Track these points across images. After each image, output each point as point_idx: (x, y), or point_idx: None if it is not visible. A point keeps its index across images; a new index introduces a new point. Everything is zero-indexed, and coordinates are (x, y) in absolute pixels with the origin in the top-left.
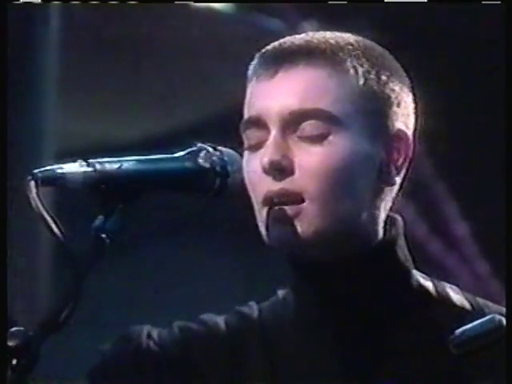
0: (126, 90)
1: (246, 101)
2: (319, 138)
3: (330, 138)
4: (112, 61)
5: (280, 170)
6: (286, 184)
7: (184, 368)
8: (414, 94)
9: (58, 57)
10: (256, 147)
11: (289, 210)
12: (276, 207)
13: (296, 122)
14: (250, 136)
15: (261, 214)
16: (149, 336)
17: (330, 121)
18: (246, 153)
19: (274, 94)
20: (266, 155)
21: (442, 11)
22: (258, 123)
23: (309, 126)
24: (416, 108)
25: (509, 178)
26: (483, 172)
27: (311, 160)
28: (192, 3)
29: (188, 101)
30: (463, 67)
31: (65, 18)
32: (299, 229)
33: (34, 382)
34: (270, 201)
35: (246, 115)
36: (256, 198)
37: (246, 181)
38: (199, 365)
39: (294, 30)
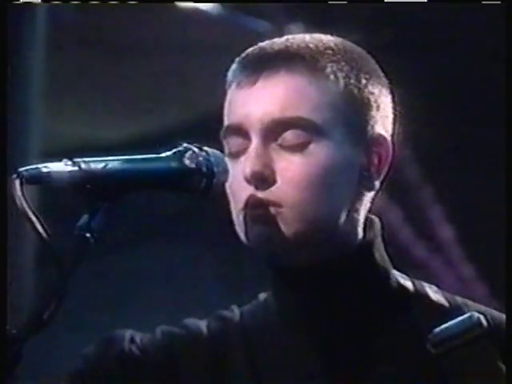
0: (112, 91)
1: (226, 106)
2: (300, 147)
3: (311, 146)
4: (99, 61)
5: (262, 180)
6: (267, 194)
7: (167, 373)
8: (393, 95)
9: (45, 55)
10: (237, 154)
11: (266, 212)
12: (254, 210)
13: (277, 130)
14: (230, 143)
15: (238, 217)
16: (131, 340)
17: (311, 129)
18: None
19: (255, 102)
20: (247, 165)
21: (442, 11)
22: (240, 131)
23: (290, 135)
24: (394, 109)
25: (508, 179)
26: (470, 176)
27: (292, 169)
28: (178, 4)
29: (175, 101)
30: (463, 67)
31: (49, 17)
32: (276, 229)
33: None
34: (249, 206)
35: (226, 122)
36: (236, 204)
37: (228, 189)
38: (182, 369)
39: (281, 32)
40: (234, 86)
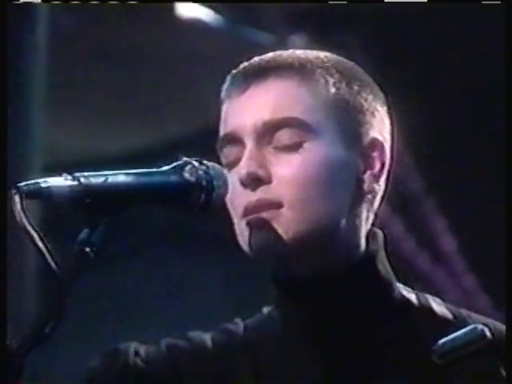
0: (113, 105)
1: (221, 121)
2: (294, 147)
3: (305, 145)
4: (99, 74)
5: (257, 180)
6: (263, 194)
7: None
8: (389, 107)
9: (45, 65)
10: (233, 164)
11: (266, 215)
12: (254, 215)
13: (270, 133)
14: (226, 153)
15: (240, 226)
16: (136, 353)
17: (304, 128)
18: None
19: (246, 109)
20: (242, 167)
21: (442, 11)
22: (234, 139)
23: (283, 136)
24: (391, 118)
25: (508, 190)
26: (472, 187)
27: (287, 168)
28: (180, 16)
29: (175, 115)
30: (463, 68)
31: (51, 24)
32: (277, 232)
33: None
34: (248, 212)
35: (221, 133)
36: (235, 212)
37: (227, 199)
38: (186, 381)
39: (283, 44)
40: (226, 101)
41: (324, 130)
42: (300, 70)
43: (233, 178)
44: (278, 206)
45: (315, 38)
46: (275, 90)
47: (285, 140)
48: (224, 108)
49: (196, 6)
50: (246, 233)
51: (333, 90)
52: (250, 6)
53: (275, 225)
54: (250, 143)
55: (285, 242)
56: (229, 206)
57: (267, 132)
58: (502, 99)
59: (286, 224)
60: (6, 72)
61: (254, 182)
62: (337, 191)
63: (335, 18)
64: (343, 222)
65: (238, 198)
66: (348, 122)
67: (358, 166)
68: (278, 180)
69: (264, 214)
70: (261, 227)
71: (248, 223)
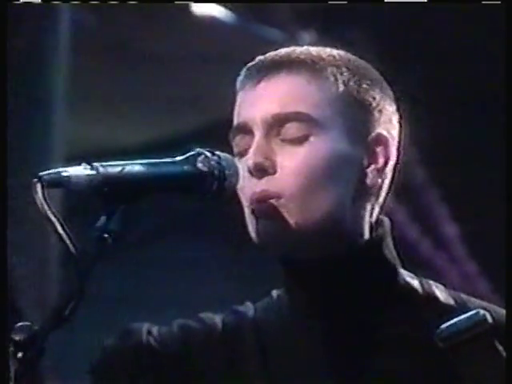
0: (130, 99)
1: (235, 111)
2: (300, 140)
3: (311, 139)
4: (117, 71)
5: (263, 170)
6: (267, 184)
7: (182, 364)
8: (398, 106)
9: (67, 62)
10: (243, 153)
11: (270, 204)
12: (259, 204)
13: (278, 125)
14: (237, 143)
15: (248, 214)
16: (149, 333)
17: (310, 123)
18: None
19: (257, 101)
20: (250, 157)
21: (442, 11)
22: (245, 130)
23: (290, 129)
24: (400, 118)
25: (508, 181)
26: (473, 178)
27: (293, 160)
28: (194, 15)
29: (188, 109)
30: (463, 68)
31: (73, 22)
32: (281, 222)
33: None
34: (254, 200)
35: (234, 123)
36: (244, 201)
37: (238, 187)
38: (197, 361)
39: (293, 40)
40: (241, 92)
41: (330, 125)
42: (311, 67)
43: (242, 166)
44: (281, 196)
45: (323, 35)
46: (286, 85)
47: (292, 133)
48: (238, 99)
49: (209, 5)
50: (254, 221)
51: (342, 87)
52: (260, 4)
53: (278, 214)
54: (258, 134)
55: (288, 231)
56: (239, 193)
57: (275, 124)
58: (501, 98)
59: (288, 213)
60: (6, 72)
61: (260, 172)
62: (339, 184)
63: (341, 16)
64: (347, 212)
65: (246, 187)
66: (355, 118)
67: (362, 161)
68: (281, 171)
69: (268, 204)
70: (265, 216)
71: (253, 211)
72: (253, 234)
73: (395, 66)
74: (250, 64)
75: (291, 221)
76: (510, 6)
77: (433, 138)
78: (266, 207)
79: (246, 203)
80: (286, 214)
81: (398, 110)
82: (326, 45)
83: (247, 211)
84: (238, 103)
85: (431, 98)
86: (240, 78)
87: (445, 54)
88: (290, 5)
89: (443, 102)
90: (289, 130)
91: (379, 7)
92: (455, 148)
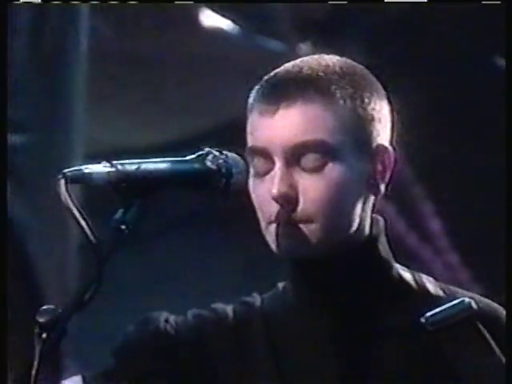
0: (145, 102)
1: (249, 130)
2: (317, 169)
3: (329, 165)
4: (133, 74)
5: (287, 199)
6: (293, 213)
7: (196, 350)
8: (391, 104)
9: (86, 65)
10: (262, 174)
11: (293, 228)
12: (282, 227)
13: (298, 154)
14: (256, 164)
15: (269, 230)
16: (166, 320)
17: (328, 150)
18: (252, 179)
19: (277, 129)
20: (274, 187)
21: (442, 11)
22: (264, 154)
23: (310, 158)
24: (392, 116)
25: (508, 178)
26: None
27: (313, 190)
28: (201, 25)
29: (199, 112)
30: (463, 68)
31: (91, 28)
32: (305, 241)
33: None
34: (277, 221)
35: (250, 143)
36: (264, 218)
37: (255, 202)
38: (210, 347)
39: (293, 52)
40: (255, 113)
41: (343, 148)
42: (323, 93)
43: (262, 186)
44: (305, 221)
45: (322, 44)
46: (303, 114)
47: (312, 162)
48: (252, 118)
49: (214, 15)
50: (275, 238)
51: (349, 107)
52: (262, 14)
53: (303, 236)
54: (279, 162)
55: (310, 248)
56: (257, 208)
57: (296, 153)
58: (501, 99)
59: (312, 235)
60: (6, 72)
61: (284, 200)
62: (353, 200)
63: (340, 23)
64: (356, 220)
65: (267, 208)
66: (359, 132)
67: (369, 173)
68: (304, 200)
69: (292, 227)
70: (290, 238)
71: (278, 231)
72: (273, 246)
73: (395, 66)
74: (261, 84)
75: (314, 240)
76: (510, 6)
77: (424, 134)
78: (291, 231)
79: (265, 218)
80: (309, 236)
81: (391, 107)
82: (322, 51)
83: (267, 227)
84: (252, 124)
85: (428, 97)
86: (253, 97)
87: (444, 54)
88: (289, 15)
89: (441, 102)
90: (308, 159)
91: (379, 7)
92: (446, 146)
